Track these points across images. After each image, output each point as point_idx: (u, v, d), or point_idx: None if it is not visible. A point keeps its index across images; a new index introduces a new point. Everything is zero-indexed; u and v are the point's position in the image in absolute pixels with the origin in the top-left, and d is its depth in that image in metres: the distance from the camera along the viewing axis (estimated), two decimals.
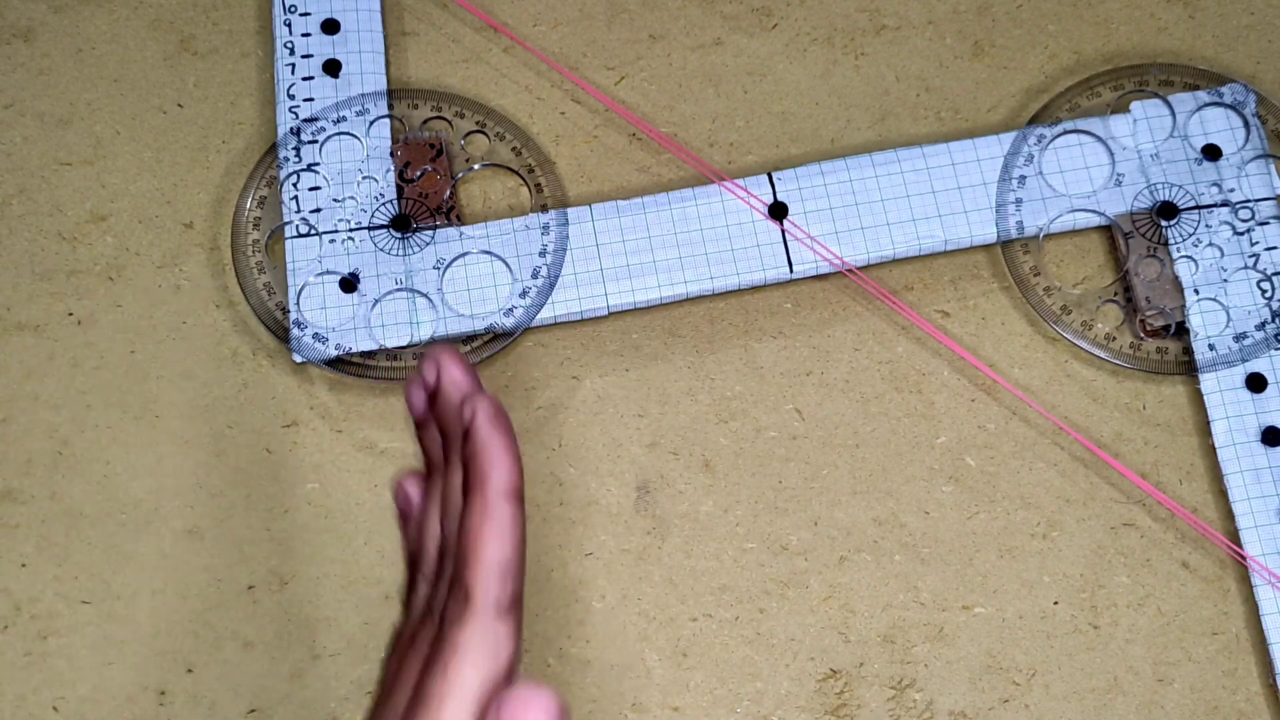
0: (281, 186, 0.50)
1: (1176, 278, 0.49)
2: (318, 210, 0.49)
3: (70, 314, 0.49)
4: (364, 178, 0.50)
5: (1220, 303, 0.48)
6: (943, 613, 0.47)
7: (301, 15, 0.52)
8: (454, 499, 0.37)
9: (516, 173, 0.51)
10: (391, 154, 0.50)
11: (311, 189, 0.50)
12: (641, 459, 0.48)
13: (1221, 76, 0.51)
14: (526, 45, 0.53)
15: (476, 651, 0.33)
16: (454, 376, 0.37)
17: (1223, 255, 0.49)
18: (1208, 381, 0.48)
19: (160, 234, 0.50)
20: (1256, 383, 0.47)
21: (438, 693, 0.33)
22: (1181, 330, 0.48)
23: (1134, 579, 0.47)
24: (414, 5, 0.53)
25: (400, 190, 0.50)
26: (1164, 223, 0.49)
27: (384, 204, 0.50)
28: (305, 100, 0.51)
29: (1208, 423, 0.47)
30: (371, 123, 0.51)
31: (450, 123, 0.51)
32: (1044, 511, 0.48)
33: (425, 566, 0.38)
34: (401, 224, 0.49)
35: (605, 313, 0.49)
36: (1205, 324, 0.48)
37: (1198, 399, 0.48)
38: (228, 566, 0.47)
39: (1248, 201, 0.49)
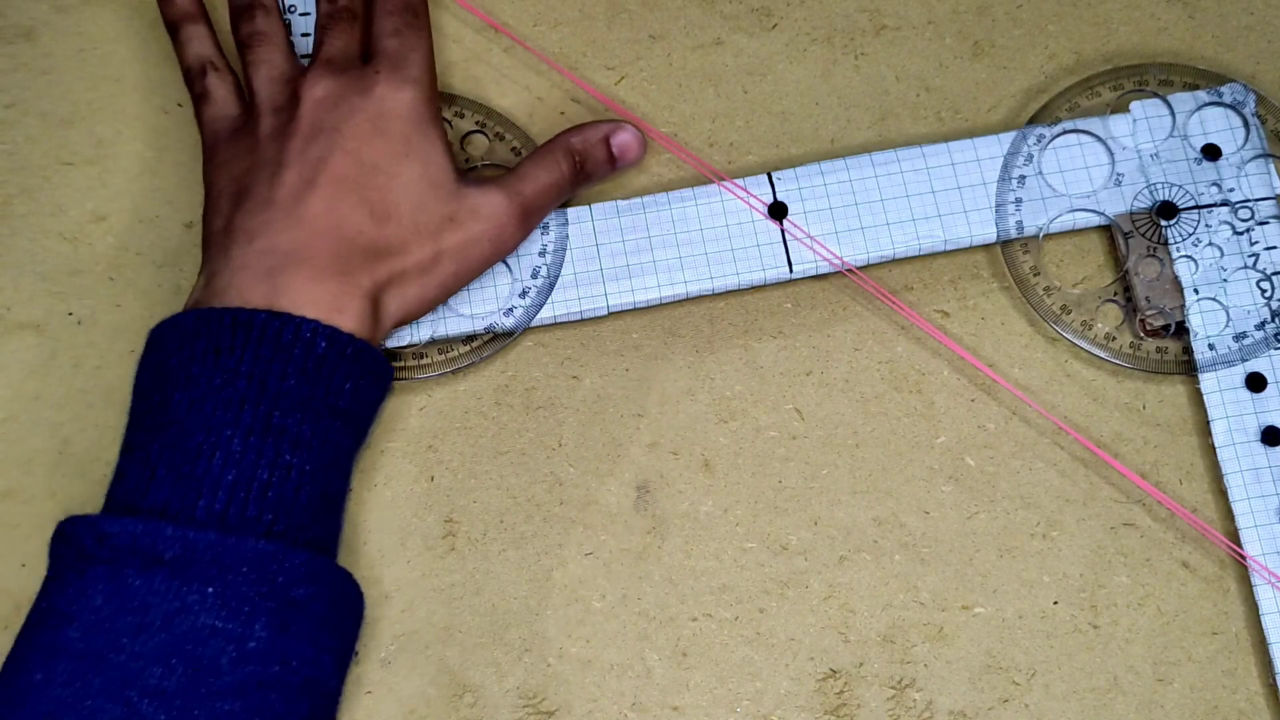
0: None
1: (1176, 277, 0.49)
2: None
3: (71, 314, 0.49)
4: None
5: (1220, 302, 0.48)
6: (943, 613, 0.47)
7: (301, 15, 0.52)
8: None
9: None
10: None
11: None
12: (641, 459, 0.48)
13: (1221, 76, 0.51)
14: (526, 45, 0.53)
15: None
16: None
17: (1222, 255, 0.49)
18: (1207, 381, 0.48)
19: (161, 234, 0.50)
20: (1256, 382, 0.47)
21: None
22: (1181, 330, 0.48)
23: (1134, 579, 0.47)
24: None
25: None
26: (1163, 222, 0.49)
27: None
28: None
29: (1208, 422, 0.47)
30: None
31: (450, 123, 0.51)
32: (1044, 511, 0.47)
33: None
34: None
35: (605, 313, 0.49)
36: (1205, 324, 0.48)
37: (1198, 399, 0.48)
38: None
39: (1247, 201, 0.49)
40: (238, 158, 0.46)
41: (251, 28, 0.49)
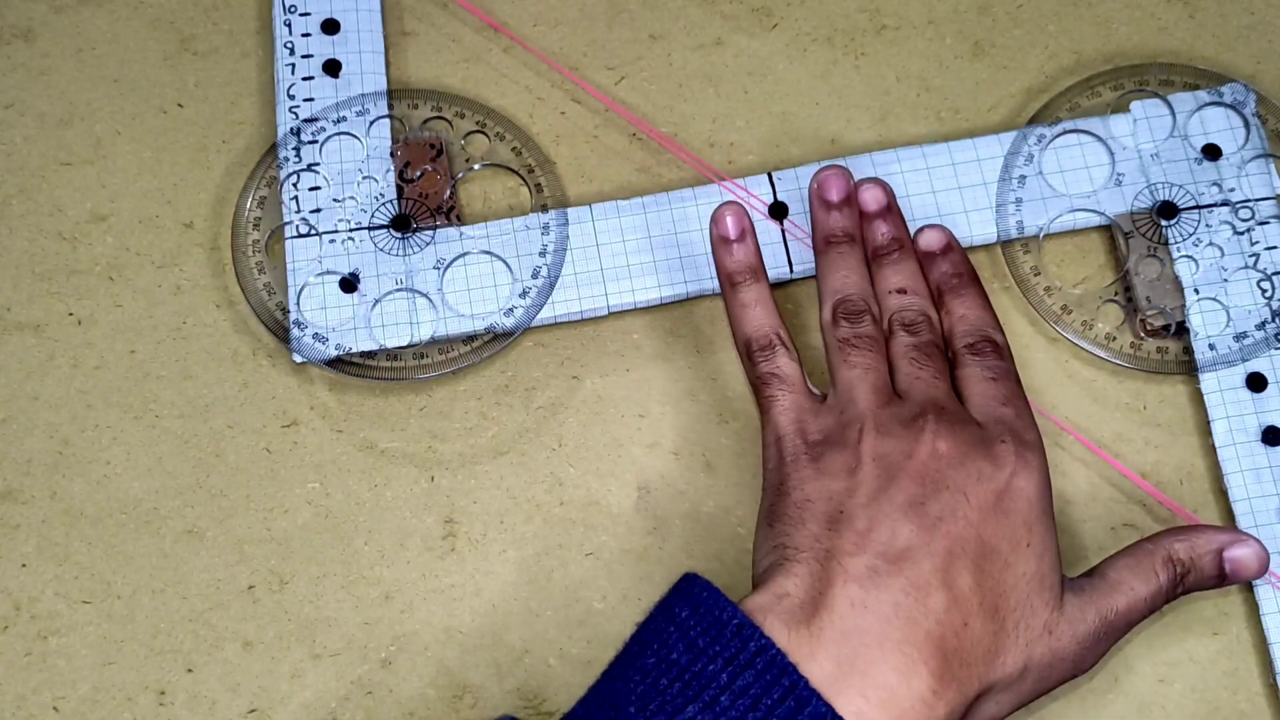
0: (281, 186, 0.50)
1: (1176, 277, 0.49)
2: (318, 210, 0.49)
3: (70, 314, 0.49)
4: (364, 178, 0.50)
5: (1220, 302, 0.48)
6: None
7: (301, 15, 0.52)
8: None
9: (516, 173, 0.51)
10: (391, 154, 0.50)
11: (311, 189, 0.50)
12: (641, 459, 0.48)
13: (1221, 76, 0.51)
14: (526, 45, 0.53)
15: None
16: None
17: (1223, 255, 0.49)
18: (1208, 381, 0.48)
19: (160, 234, 0.50)
20: (1256, 382, 0.47)
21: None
22: (1181, 330, 0.48)
23: None
24: (414, 5, 0.53)
25: (400, 190, 0.50)
26: (1164, 222, 0.49)
27: (384, 204, 0.50)
28: (305, 100, 0.51)
29: (1208, 422, 0.47)
30: (371, 123, 0.51)
31: (450, 123, 0.51)
32: None
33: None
34: (401, 224, 0.49)
35: (605, 313, 0.49)
36: (1205, 324, 0.48)
37: (1198, 399, 0.48)
38: (228, 566, 0.47)
39: (1248, 201, 0.49)
40: (829, 474, 0.41)
41: (856, 330, 0.45)
